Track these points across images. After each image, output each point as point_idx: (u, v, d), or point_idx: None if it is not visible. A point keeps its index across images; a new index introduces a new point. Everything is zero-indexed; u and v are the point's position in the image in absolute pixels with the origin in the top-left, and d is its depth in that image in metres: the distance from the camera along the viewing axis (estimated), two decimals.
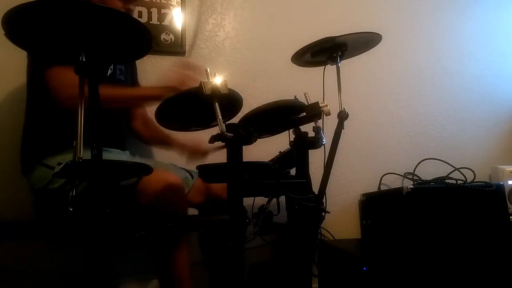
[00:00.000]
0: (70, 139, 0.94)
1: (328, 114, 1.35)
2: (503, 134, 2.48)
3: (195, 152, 1.65)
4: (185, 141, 1.69)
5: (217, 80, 1.07)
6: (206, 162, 1.55)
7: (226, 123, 1.09)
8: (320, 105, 1.35)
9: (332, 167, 1.40)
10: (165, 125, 1.33)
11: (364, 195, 2.08)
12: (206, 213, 1.60)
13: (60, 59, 1.31)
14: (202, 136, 1.64)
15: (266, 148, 1.87)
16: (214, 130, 1.11)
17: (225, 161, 1.15)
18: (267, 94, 2.07)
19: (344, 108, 1.38)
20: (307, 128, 1.45)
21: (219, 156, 1.23)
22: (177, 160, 1.70)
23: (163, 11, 1.97)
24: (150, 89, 1.41)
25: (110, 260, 0.94)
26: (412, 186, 1.69)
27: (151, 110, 1.76)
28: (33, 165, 1.41)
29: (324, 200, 1.42)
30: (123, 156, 1.57)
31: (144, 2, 1.94)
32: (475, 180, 1.86)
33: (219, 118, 1.06)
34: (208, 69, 1.07)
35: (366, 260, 1.60)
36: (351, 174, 2.21)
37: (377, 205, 1.99)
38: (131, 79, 1.75)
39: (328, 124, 1.44)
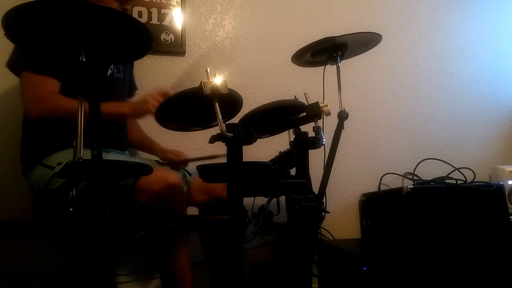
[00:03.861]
0: (69, 137, 0.94)
1: (328, 114, 1.35)
2: (503, 134, 2.48)
3: (175, 161, 1.65)
4: (167, 149, 1.70)
5: (217, 80, 1.07)
6: (205, 162, 1.55)
7: (226, 123, 1.09)
8: (320, 105, 1.35)
9: (332, 167, 1.40)
10: (165, 125, 1.33)
11: (364, 195, 2.09)
12: (206, 212, 1.60)
13: (35, 64, 1.32)
14: (185, 145, 1.64)
15: (266, 148, 1.87)
16: (214, 130, 1.11)
17: (225, 161, 1.15)
18: (267, 94, 2.07)
19: (344, 108, 1.38)
20: (307, 128, 1.45)
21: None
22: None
23: (163, 11, 1.97)
24: (119, 105, 1.43)
25: (110, 260, 0.94)
26: (412, 186, 1.69)
27: None
28: (33, 164, 1.41)
29: (324, 200, 1.42)
30: (122, 156, 1.57)
31: (144, 2, 1.94)
32: (475, 180, 1.86)
33: (219, 118, 1.05)
34: (208, 69, 1.07)
35: (366, 260, 1.60)
36: (351, 174, 2.21)
37: (377, 205, 1.99)
38: (129, 78, 1.75)
39: (328, 124, 1.45)
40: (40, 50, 1.05)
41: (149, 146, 1.74)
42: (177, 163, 1.64)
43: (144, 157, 1.82)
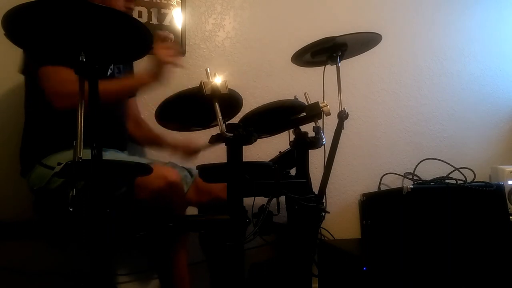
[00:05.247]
0: (69, 138, 0.94)
1: (328, 114, 1.35)
2: (503, 134, 2.48)
3: (186, 150, 1.66)
4: (176, 141, 1.69)
5: (217, 80, 1.07)
6: (205, 162, 1.55)
7: (226, 123, 1.10)
8: (320, 105, 1.35)
9: (332, 167, 1.40)
10: (165, 125, 1.33)
11: (364, 195, 2.09)
12: (206, 212, 1.60)
13: (54, 58, 1.31)
14: (192, 136, 1.65)
15: (266, 148, 1.87)
16: (214, 130, 1.11)
17: (225, 161, 1.15)
18: (267, 94, 2.07)
19: (344, 108, 1.38)
20: (307, 128, 1.45)
21: (219, 156, 1.23)
22: (176, 159, 1.70)
23: (163, 11, 1.97)
24: (137, 78, 1.42)
25: (110, 260, 0.94)
26: (412, 186, 1.69)
27: (143, 111, 1.80)
28: (32, 165, 1.41)
29: (324, 200, 1.42)
30: (121, 156, 1.57)
31: (144, 2, 1.94)
32: (475, 180, 1.86)
33: (219, 118, 1.06)
34: (208, 69, 1.07)
35: (366, 260, 1.60)
36: (351, 174, 2.21)
37: (377, 205, 1.99)
38: (129, 77, 1.75)
39: (328, 124, 1.45)
40: (40, 50, 1.05)
41: (157, 140, 1.72)
42: (189, 151, 1.64)
43: (144, 157, 1.82)
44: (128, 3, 1.48)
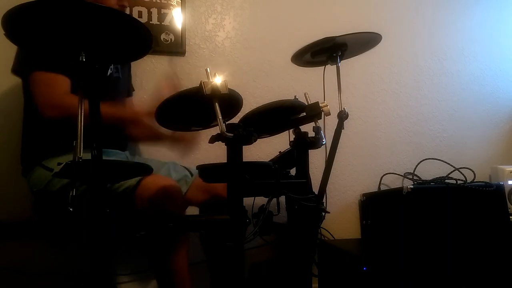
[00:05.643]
0: (70, 140, 0.94)
1: (328, 114, 1.35)
2: (503, 134, 2.48)
3: (184, 140, 1.58)
4: (174, 133, 1.59)
5: (217, 80, 1.06)
6: (205, 162, 1.55)
7: (226, 123, 1.09)
8: (320, 105, 1.35)
9: (332, 167, 1.40)
10: (165, 125, 1.33)
11: (364, 195, 2.09)
12: (207, 211, 1.60)
13: (54, 59, 1.31)
14: None
15: (266, 148, 1.87)
16: (214, 130, 1.11)
17: (225, 161, 1.15)
18: (267, 94, 2.07)
19: (344, 108, 1.38)
20: (307, 128, 1.45)
21: (219, 156, 1.23)
22: (177, 158, 1.70)
23: (163, 11, 1.97)
24: (135, 112, 1.46)
25: (110, 260, 0.94)
26: (412, 186, 1.69)
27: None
28: (32, 166, 1.41)
29: (324, 200, 1.42)
30: (122, 156, 1.57)
31: (144, 2, 1.94)
32: (475, 180, 1.86)
33: (219, 118, 1.05)
34: (208, 69, 1.07)
35: (366, 260, 1.60)
36: (351, 174, 2.21)
37: (377, 205, 1.99)
38: (128, 78, 1.75)
39: (328, 124, 1.44)
40: (40, 50, 1.05)
41: (155, 135, 1.62)
42: (188, 140, 1.57)
43: (145, 157, 1.82)
44: (121, 0, 1.48)
